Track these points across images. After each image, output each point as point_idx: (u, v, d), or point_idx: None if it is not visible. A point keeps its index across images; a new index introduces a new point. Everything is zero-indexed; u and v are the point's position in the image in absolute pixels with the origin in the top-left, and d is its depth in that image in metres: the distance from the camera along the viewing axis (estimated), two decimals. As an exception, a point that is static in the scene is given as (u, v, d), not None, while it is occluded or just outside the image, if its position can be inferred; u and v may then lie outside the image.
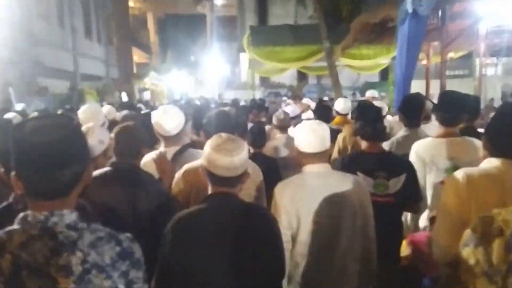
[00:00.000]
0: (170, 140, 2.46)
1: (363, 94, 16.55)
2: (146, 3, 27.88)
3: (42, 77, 10.74)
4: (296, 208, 1.92)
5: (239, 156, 1.55)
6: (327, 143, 2.01)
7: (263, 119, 5.96)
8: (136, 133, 2.09)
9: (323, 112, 4.69)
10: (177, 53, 28.48)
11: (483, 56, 7.89)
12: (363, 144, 2.50)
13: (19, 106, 7.21)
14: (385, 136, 2.56)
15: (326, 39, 9.07)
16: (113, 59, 18.55)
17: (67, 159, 1.04)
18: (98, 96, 12.98)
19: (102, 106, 10.19)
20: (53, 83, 11.79)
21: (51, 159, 1.01)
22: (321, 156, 1.99)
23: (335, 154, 3.64)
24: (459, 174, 1.63)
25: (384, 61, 10.70)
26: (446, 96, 2.79)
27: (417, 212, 2.54)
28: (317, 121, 2.17)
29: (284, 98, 12.22)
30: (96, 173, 1.93)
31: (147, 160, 2.26)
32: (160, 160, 2.23)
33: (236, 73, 20.62)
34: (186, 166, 2.19)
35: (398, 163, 2.42)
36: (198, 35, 28.00)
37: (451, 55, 7.68)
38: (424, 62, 7.96)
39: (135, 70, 21.54)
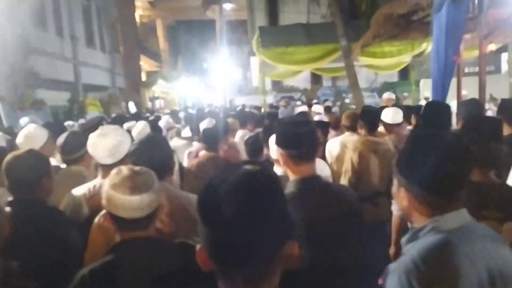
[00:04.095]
0: (108, 169, 1.82)
1: (381, 96, 15.73)
2: (155, 10, 27.59)
3: (38, 89, 10.17)
4: None
5: (143, 195, 1.33)
6: None
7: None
8: (31, 160, 1.74)
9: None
10: (187, 60, 28.05)
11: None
12: None
13: (23, 121, 6.60)
14: (499, 160, 1.68)
15: (343, 36, 8.21)
16: (119, 68, 18.00)
17: None
18: (102, 107, 12.38)
19: (105, 117, 9.60)
20: (51, 95, 11.21)
21: None
22: None
23: (343, 180, 2.94)
24: None
25: (407, 58, 9.80)
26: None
27: None
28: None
29: (299, 102, 11.40)
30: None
31: (78, 196, 1.88)
32: (93, 197, 1.81)
33: (247, 77, 19.93)
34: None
35: None
36: (208, 41, 27.51)
37: (491, 47, 6.73)
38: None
39: (144, 79, 21.09)
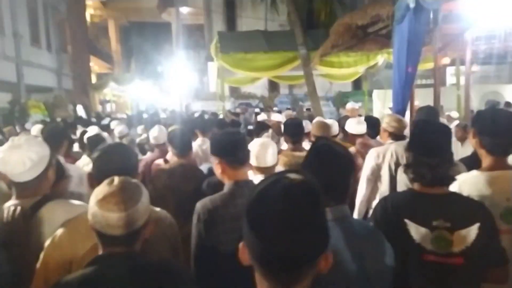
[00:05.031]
0: (23, 188, 1.72)
1: (335, 104, 16.09)
2: (107, 10, 26.52)
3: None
4: None
5: (130, 211, 1.27)
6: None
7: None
8: None
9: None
10: (141, 63, 27.24)
11: (469, 64, 7.37)
12: (416, 184, 1.72)
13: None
14: (453, 176, 1.69)
15: (302, 45, 8.24)
16: (67, 69, 16.93)
17: None
18: (47, 110, 11.51)
19: (49, 121, 8.92)
20: (-12, 95, 10.30)
21: None
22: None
23: None
24: None
25: (362, 69, 10.07)
26: (499, 116, 2.00)
27: (501, 282, 1.67)
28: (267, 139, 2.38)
29: (257, 109, 11.34)
30: None
31: None
32: (9, 221, 1.60)
33: (204, 82, 19.63)
34: (62, 230, 1.56)
35: (468, 208, 1.64)
36: (163, 44, 26.83)
37: (445, 61, 7.04)
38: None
39: (94, 80, 20.11)
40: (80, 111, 13.83)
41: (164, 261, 1.47)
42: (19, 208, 1.66)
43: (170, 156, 3.38)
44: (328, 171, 1.38)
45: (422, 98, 6.60)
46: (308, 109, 11.31)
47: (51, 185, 1.84)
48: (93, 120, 9.50)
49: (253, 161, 2.28)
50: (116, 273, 1.25)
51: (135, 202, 1.29)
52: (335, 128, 4.19)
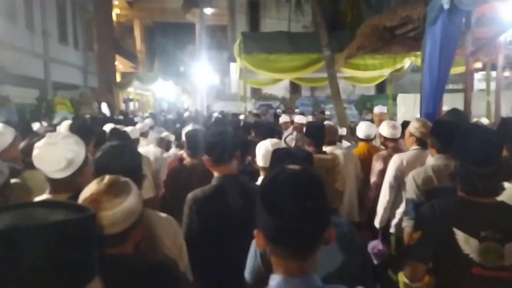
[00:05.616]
0: (57, 184, 1.72)
1: (358, 108, 15.81)
2: (133, 10, 26.98)
3: (4, 85, 9.48)
4: None
5: (115, 210, 1.22)
6: None
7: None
8: None
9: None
10: (164, 62, 27.54)
11: (501, 69, 7.07)
12: (463, 192, 1.64)
13: None
14: (503, 186, 1.59)
15: (326, 46, 8.11)
16: (92, 67, 17.28)
17: None
18: (73, 107, 11.75)
19: (76, 117, 9.09)
20: (18, 92, 10.53)
21: None
22: None
23: None
24: None
25: (387, 72, 9.85)
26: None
27: None
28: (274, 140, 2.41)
29: (279, 110, 11.25)
30: None
31: None
32: None
33: (226, 83, 19.68)
34: None
35: None
36: (186, 44, 27.10)
37: (477, 65, 6.78)
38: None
39: (119, 79, 20.44)
40: (105, 109, 14.07)
41: (156, 262, 1.42)
42: None
43: (186, 155, 3.39)
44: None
45: (449, 104, 6.37)
46: (321, 112, 11.09)
47: (88, 181, 1.83)
48: (120, 118, 9.61)
49: (259, 161, 2.35)
50: (104, 274, 1.20)
51: (121, 201, 1.24)
52: (372, 131, 4.11)
